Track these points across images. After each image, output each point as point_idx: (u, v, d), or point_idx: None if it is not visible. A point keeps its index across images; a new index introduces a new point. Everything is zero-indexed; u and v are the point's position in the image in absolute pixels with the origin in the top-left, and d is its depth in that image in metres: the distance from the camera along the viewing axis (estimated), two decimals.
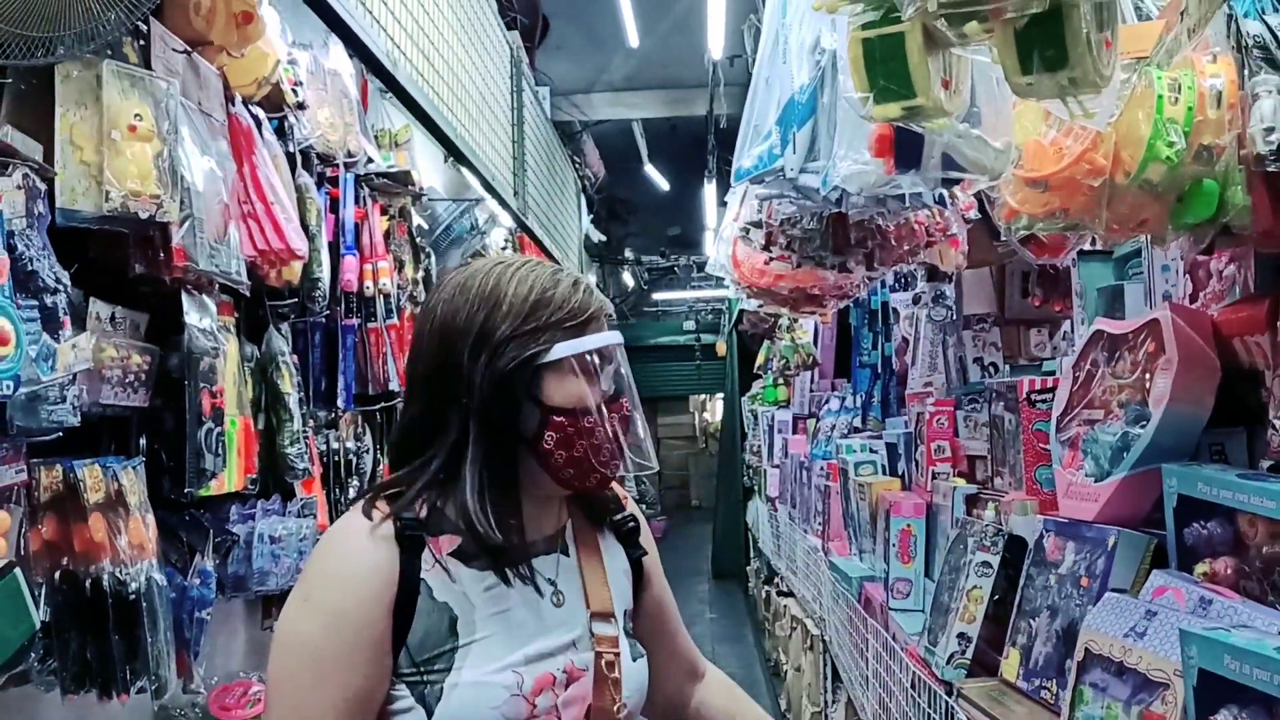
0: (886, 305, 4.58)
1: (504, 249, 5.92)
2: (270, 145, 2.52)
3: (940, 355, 4.19)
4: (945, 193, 2.02)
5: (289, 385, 2.52)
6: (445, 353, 1.29)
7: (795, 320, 6.33)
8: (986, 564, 2.20)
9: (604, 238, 10.70)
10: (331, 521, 2.98)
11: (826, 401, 5.50)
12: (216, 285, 2.20)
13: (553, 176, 6.98)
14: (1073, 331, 3.52)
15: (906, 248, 2.21)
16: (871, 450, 3.91)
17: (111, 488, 1.83)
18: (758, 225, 2.20)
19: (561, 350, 1.27)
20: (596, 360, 1.30)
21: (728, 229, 2.82)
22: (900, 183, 1.50)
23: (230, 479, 2.28)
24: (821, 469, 4.61)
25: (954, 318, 4.03)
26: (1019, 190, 1.55)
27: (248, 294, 2.27)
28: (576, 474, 1.30)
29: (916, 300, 4.12)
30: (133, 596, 1.80)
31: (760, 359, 7.76)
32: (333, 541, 1.27)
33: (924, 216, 2.19)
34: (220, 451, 2.12)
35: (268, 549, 2.36)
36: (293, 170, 2.71)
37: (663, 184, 9.68)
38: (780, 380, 7.19)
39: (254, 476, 2.42)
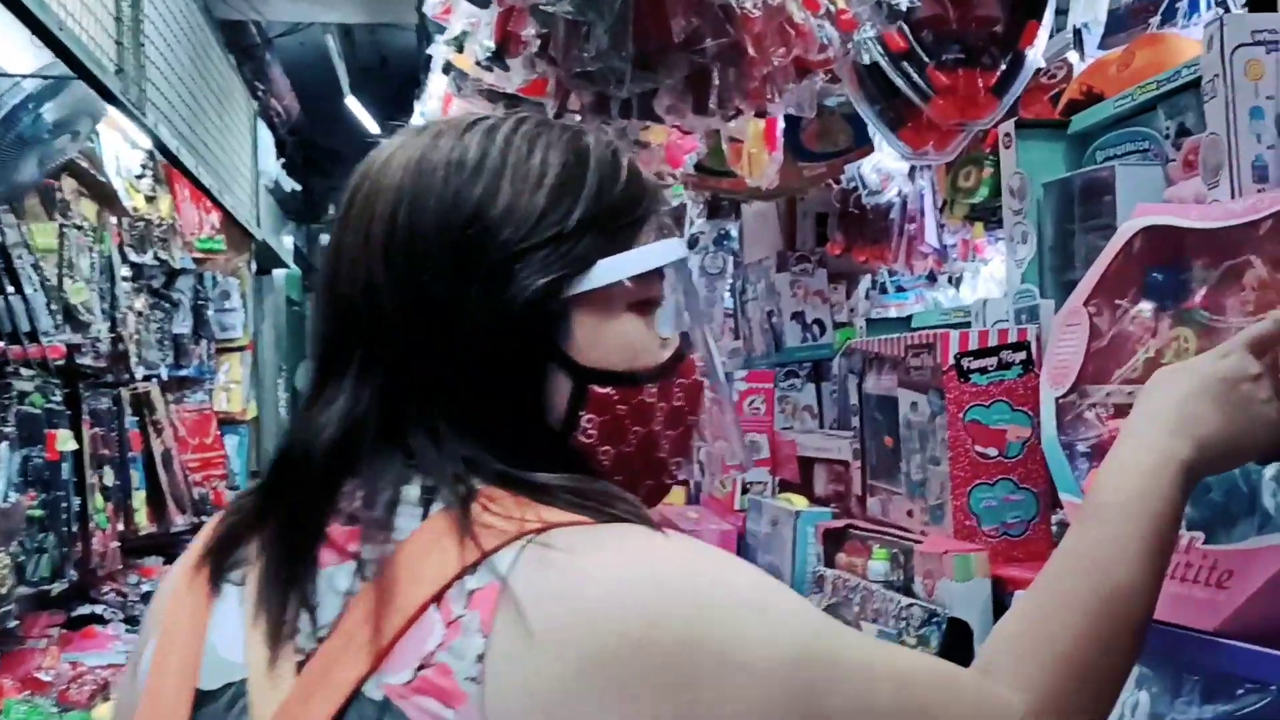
0: None
1: (141, 178, 4.45)
2: None
3: (718, 315, 3.24)
4: None
5: None
6: (412, 277, 0.74)
7: None
8: None
9: (299, 188, 9.18)
10: None
11: None
12: None
13: (207, 84, 5.45)
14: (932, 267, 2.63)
15: (776, 65, 1.14)
16: None
17: None
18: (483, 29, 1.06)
19: (609, 271, 0.77)
20: (665, 288, 0.81)
21: (436, 80, 1.69)
22: None
23: None
24: None
25: (735, 265, 3.09)
26: None
27: None
28: (626, 482, 0.78)
29: (693, 244, 3.13)
30: None
31: None
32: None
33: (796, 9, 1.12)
34: None
35: None
36: None
37: (370, 126, 8.28)
38: None
39: None
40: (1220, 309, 0.96)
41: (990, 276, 3.41)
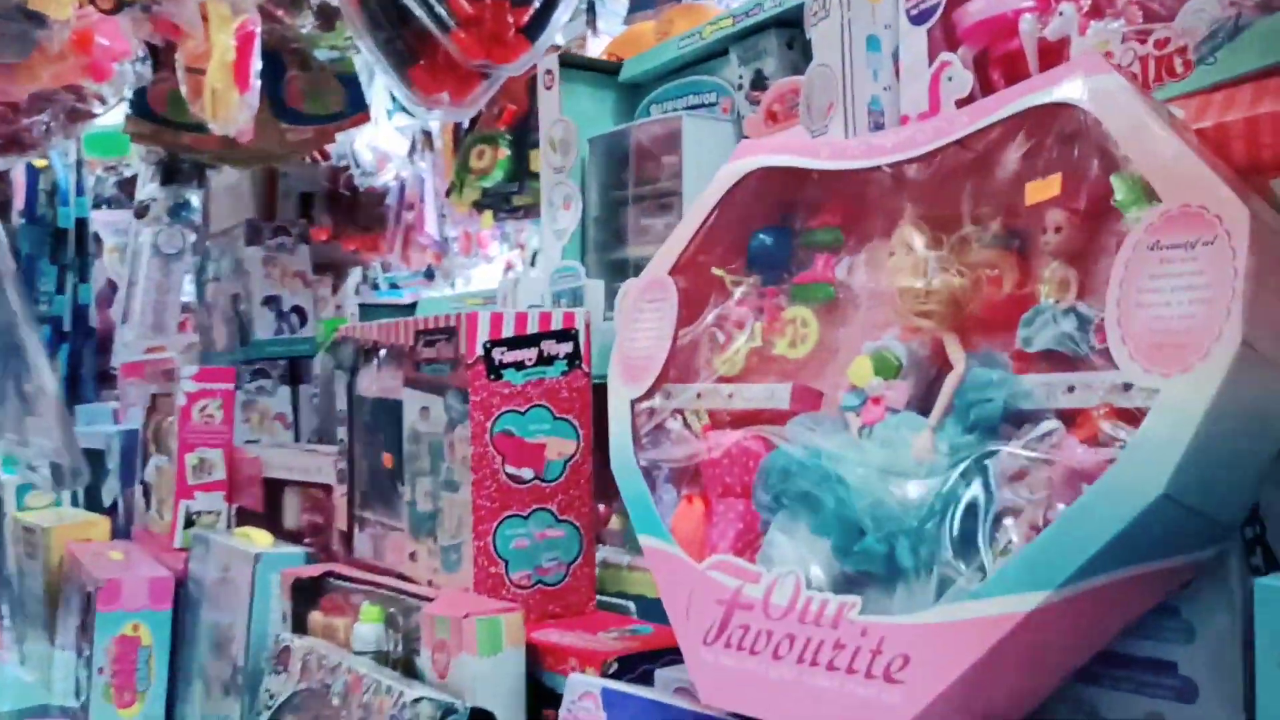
0: (84, 225, 2.95)
1: None
2: None
3: (173, 304, 2.70)
4: None
5: None
6: None
7: None
8: None
9: None
10: None
11: None
12: None
13: None
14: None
15: None
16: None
17: None
18: None
19: None
20: None
21: None
22: None
23: None
24: None
25: (198, 244, 2.58)
26: None
27: None
28: None
29: (142, 213, 2.53)
30: None
31: None
32: None
33: None
34: None
35: None
36: None
37: None
38: None
39: None
40: (853, 281, 0.71)
41: (494, 277, 3.20)
